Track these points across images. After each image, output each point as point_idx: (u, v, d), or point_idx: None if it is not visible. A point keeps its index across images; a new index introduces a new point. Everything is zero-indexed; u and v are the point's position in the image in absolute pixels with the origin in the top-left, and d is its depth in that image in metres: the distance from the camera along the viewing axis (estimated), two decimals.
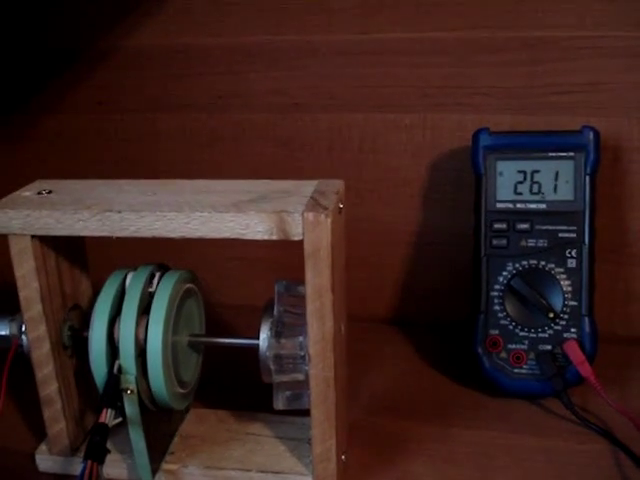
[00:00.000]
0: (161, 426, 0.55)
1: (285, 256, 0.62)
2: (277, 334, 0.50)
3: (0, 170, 0.85)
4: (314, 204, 0.46)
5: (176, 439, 0.56)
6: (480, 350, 0.63)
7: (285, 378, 0.51)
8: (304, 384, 0.50)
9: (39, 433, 0.58)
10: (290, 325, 0.51)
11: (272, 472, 0.53)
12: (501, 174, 0.63)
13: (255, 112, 0.75)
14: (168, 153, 0.79)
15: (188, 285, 0.54)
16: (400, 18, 0.69)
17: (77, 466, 0.54)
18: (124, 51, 0.77)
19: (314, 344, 0.47)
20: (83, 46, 0.78)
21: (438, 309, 0.76)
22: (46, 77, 0.80)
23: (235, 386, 0.65)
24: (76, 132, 0.81)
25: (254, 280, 0.80)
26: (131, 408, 0.50)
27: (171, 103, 0.78)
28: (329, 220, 0.45)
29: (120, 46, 0.77)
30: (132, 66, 0.77)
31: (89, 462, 0.45)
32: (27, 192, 0.52)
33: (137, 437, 0.51)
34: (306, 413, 0.51)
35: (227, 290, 0.79)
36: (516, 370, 0.62)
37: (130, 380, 0.49)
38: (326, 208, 0.45)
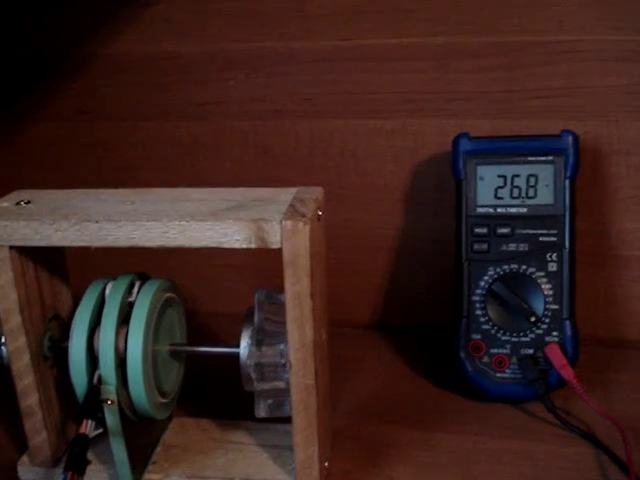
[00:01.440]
0: (143, 436, 0.55)
1: (267, 263, 0.61)
2: (258, 342, 0.50)
3: None
4: (293, 212, 0.46)
5: (158, 449, 0.56)
6: (463, 355, 0.63)
7: (266, 386, 0.51)
8: (285, 392, 0.50)
9: (21, 445, 0.57)
10: (271, 333, 0.50)
11: None
12: (481, 179, 0.63)
13: (235, 119, 0.75)
14: (149, 161, 0.79)
15: (168, 294, 0.53)
16: (380, 24, 0.69)
17: (59, 477, 0.53)
18: (105, 59, 0.77)
19: (294, 352, 0.47)
20: (64, 54, 0.78)
21: (421, 314, 0.77)
22: (26, 85, 0.80)
23: (217, 395, 0.65)
24: (57, 140, 0.81)
25: (236, 287, 0.80)
26: (112, 419, 0.49)
27: (152, 111, 0.77)
28: (307, 228, 0.45)
29: (101, 54, 0.77)
30: (113, 74, 0.77)
31: (69, 473, 0.45)
32: (5, 203, 0.52)
33: (118, 447, 0.51)
34: (288, 420, 0.51)
35: (208, 297, 0.79)
36: (499, 374, 0.62)
37: (110, 390, 0.49)
38: (304, 215, 0.45)
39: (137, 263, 0.57)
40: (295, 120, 0.74)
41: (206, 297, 0.78)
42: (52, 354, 0.53)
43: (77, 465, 0.45)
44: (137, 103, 0.78)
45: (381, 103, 0.72)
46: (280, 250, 0.46)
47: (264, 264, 0.69)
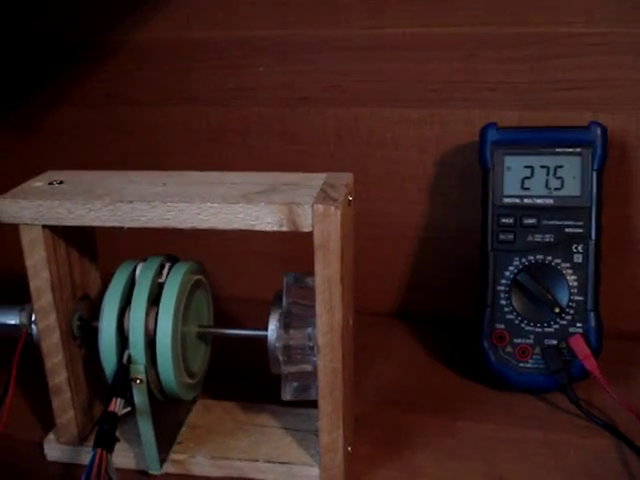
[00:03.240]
0: (169, 417, 0.56)
1: (293, 249, 0.62)
2: (286, 325, 0.51)
3: (9, 162, 0.85)
4: (324, 196, 0.47)
5: (184, 429, 0.57)
6: (486, 344, 0.63)
7: (293, 369, 0.51)
8: (312, 375, 0.51)
9: (47, 423, 0.58)
10: (299, 316, 0.51)
11: (279, 462, 0.53)
12: (509, 169, 0.63)
13: (263, 106, 0.76)
14: (176, 146, 0.80)
15: (197, 276, 0.54)
16: (408, 13, 0.69)
17: (85, 455, 0.55)
18: (133, 44, 0.77)
19: (323, 335, 0.48)
20: (92, 39, 0.78)
21: (444, 303, 0.77)
22: (55, 70, 0.81)
23: (242, 378, 0.66)
24: (84, 124, 0.82)
25: (262, 273, 0.80)
26: (140, 398, 0.50)
27: (179, 96, 0.78)
28: (339, 212, 0.45)
29: (129, 39, 0.77)
30: (141, 59, 0.78)
31: (99, 450, 0.45)
32: (38, 182, 0.53)
33: (145, 427, 0.51)
34: (313, 404, 0.51)
35: (235, 283, 0.79)
36: (522, 364, 0.62)
37: (139, 370, 0.49)
38: (336, 200, 0.46)
39: (163, 246, 0.57)
40: (322, 108, 0.74)
41: (231, 282, 0.78)
42: (81, 333, 0.54)
43: (106, 442, 0.46)
44: (164, 88, 0.78)
45: (408, 92, 0.72)
46: (309, 235, 0.46)
47: (289, 251, 0.70)
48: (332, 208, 0.45)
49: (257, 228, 0.47)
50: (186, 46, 0.76)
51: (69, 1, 0.78)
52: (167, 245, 0.59)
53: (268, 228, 0.46)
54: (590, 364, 0.60)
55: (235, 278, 0.79)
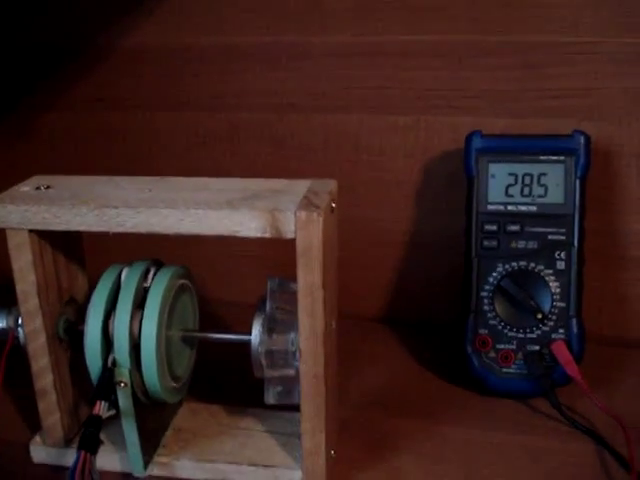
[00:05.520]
0: (153, 419, 0.56)
1: (279, 253, 0.62)
2: (269, 330, 0.51)
3: (3, 163, 0.85)
4: (307, 203, 0.47)
5: (168, 432, 0.57)
6: (470, 349, 0.64)
7: (276, 373, 0.52)
8: (295, 379, 0.51)
9: (33, 425, 0.59)
10: (282, 321, 0.51)
11: (262, 465, 0.53)
12: (493, 176, 0.64)
13: (251, 112, 0.77)
14: (166, 150, 0.80)
15: (182, 281, 0.55)
16: (395, 21, 0.70)
17: (71, 457, 0.54)
18: (123, 50, 0.78)
19: (305, 340, 0.48)
20: (84, 44, 0.79)
21: (429, 309, 0.77)
22: (46, 74, 0.81)
23: (226, 381, 0.66)
24: (73, 129, 0.82)
25: (248, 277, 0.81)
26: (124, 401, 0.50)
27: (169, 101, 0.79)
28: (321, 219, 0.46)
29: (119, 45, 0.78)
30: (131, 64, 0.78)
31: (82, 452, 0.46)
32: (25, 187, 0.53)
33: (130, 429, 0.52)
34: (297, 408, 0.52)
35: (221, 286, 0.80)
36: (504, 369, 0.63)
37: (124, 373, 0.50)
38: (318, 207, 0.46)
39: (150, 250, 0.58)
40: (309, 114, 0.75)
41: (216, 286, 0.79)
42: (67, 337, 0.54)
43: (90, 445, 0.47)
44: (153, 94, 0.79)
45: (395, 99, 0.72)
46: (293, 240, 0.47)
47: (275, 255, 0.70)
48: (314, 215, 0.45)
49: (241, 234, 0.47)
50: (176, 52, 0.77)
51: (61, 7, 0.78)
52: (154, 249, 0.59)
53: (252, 234, 0.47)
54: (572, 370, 0.60)
55: (222, 281, 0.80)
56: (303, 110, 0.75)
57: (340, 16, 0.71)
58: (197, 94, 0.78)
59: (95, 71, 0.80)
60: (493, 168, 0.64)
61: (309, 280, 0.47)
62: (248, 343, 0.52)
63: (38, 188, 0.53)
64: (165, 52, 0.77)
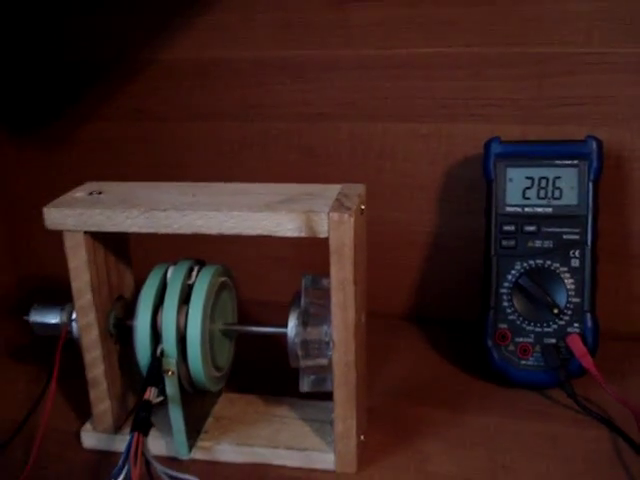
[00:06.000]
0: (196, 408, 0.59)
1: (308, 256, 0.66)
2: (304, 323, 0.55)
3: (43, 173, 0.89)
4: (339, 205, 0.51)
5: (209, 420, 0.61)
6: (490, 343, 0.66)
7: (310, 363, 0.55)
8: (327, 369, 0.55)
9: (82, 414, 0.63)
10: (315, 315, 0.55)
11: (297, 449, 0.57)
12: (510, 180, 0.66)
13: (282, 121, 0.79)
14: (200, 158, 0.83)
15: (223, 278, 0.58)
16: (418, 35, 0.72)
17: (119, 443, 0.59)
18: (160, 64, 0.80)
19: (338, 331, 0.52)
20: (123, 59, 0.82)
21: (451, 306, 0.80)
22: (87, 86, 0.84)
23: (262, 373, 0.69)
24: (114, 138, 0.85)
25: (277, 278, 0.84)
26: (172, 388, 0.54)
27: (203, 112, 0.81)
28: (352, 220, 0.49)
29: (157, 59, 0.80)
30: (167, 77, 0.81)
31: (136, 434, 0.49)
32: (79, 193, 0.57)
33: (176, 415, 0.55)
34: (328, 397, 0.55)
35: (251, 286, 0.81)
36: (523, 362, 0.66)
37: (171, 363, 0.54)
38: (349, 209, 0.50)
39: (187, 252, 0.61)
40: (337, 123, 0.77)
41: (248, 286, 0.81)
42: (116, 331, 0.58)
43: (142, 427, 0.50)
44: (189, 105, 0.81)
45: (417, 108, 0.75)
46: (324, 241, 0.50)
47: (303, 257, 0.74)
48: (346, 216, 0.49)
49: (278, 234, 0.51)
50: (210, 65, 0.79)
51: (102, 24, 0.81)
52: (190, 251, 0.61)
53: (288, 234, 0.51)
54: (587, 362, 0.63)
55: (251, 282, 0.81)
56: (331, 119, 0.77)
57: (366, 31, 0.73)
58: (230, 105, 0.80)
59: (134, 84, 0.82)
60: (511, 172, 0.66)
61: (341, 276, 0.50)
62: (284, 335, 0.55)
63: (91, 193, 0.57)
64: (200, 66, 0.79)
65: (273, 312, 0.61)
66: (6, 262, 0.92)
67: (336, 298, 0.51)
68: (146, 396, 0.52)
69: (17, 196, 0.91)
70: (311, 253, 0.59)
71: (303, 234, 0.51)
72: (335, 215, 0.49)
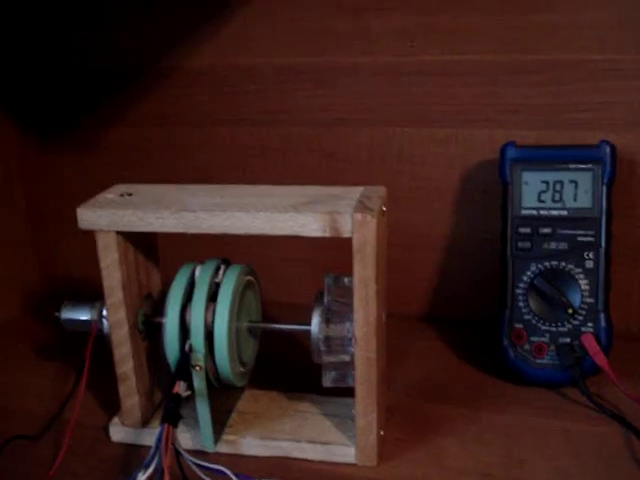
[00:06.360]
0: (221, 403, 0.62)
1: (327, 258, 0.68)
2: (327, 320, 0.57)
3: (70, 176, 0.91)
4: (362, 206, 0.53)
5: (234, 415, 0.63)
6: (506, 342, 0.68)
7: (333, 359, 0.57)
8: (349, 365, 0.57)
9: (109, 409, 0.65)
10: (338, 313, 0.57)
11: (320, 443, 0.59)
12: (526, 183, 0.68)
13: (302, 126, 0.81)
14: (224, 163, 0.85)
15: (248, 277, 0.60)
16: (436, 42, 0.74)
17: (147, 437, 0.61)
18: (185, 70, 0.82)
19: (360, 328, 0.54)
20: (148, 66, 0.84)
21: (467, 307, 0.81)
22: (113, 93, 0.86)
23: (284, 371, 0.71)
24: (140, 143, 0.87)
25: (296, 279, 0.86)
26: (199, 383, 0.56)
27: (226, 118, 0.83)
28: (375, 220, 0.51)
29: (182, 66, 0.82)
30: (191, 84, 0.83)
31: (166, 425, 0.51)
32: (110, 194, 0.59)
33: (203, 409, 0.57)
34: (349, 393, 0.57)
35: (270, 288, 0.83)
36: (538, 360, 0.67)
37: (199, 358, 0.55)
38: (372, 210, 0.52)
39: (208, 253, 0.63)
40: (356, 128, 0.79)
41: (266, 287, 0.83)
42: (144, 328, 0.60)
43: (172, 418, 0.52)
44: (213, 110, 0.83)
45: (435, 113, 0.76)
46: (343, 242, 0.52)
47: (323, 259, 0.75)
48: (369, 216, 0.51)
49: (303, 234, 0.53)
50: (234, 72, 0.81)
51: (127, 33, 0.83)
52: (209, 253, 0.63)
53: (313, 234, 0.53)
54: (600, 360, 0.64)
55: (271, 284, 0.83)
56: (350, 124, 0.79)
57: (385, 39, 0.75)
58: (253, 110, 0.82)
59: (158, 90, 0.84)
60: (526, 176, 0.68)
61: (364, 274, 0.52)
62: (307, 333, 0.57)
63: (122, 195, 0.59)
64: (224, 72, 0.81)
65: (289, 313, 0.62)
66: (32, 262, 0.94)
67: (358, 295, 0.53)
68: (175, 389, 0.54)
69: (42, 198, 0.94)
70: (329, 255, 0.61)
71: (327, 234, 0.52)
72: (359, 216, 0.51)
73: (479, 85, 0.74)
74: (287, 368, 0.72)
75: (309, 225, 0.52)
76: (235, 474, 0.48)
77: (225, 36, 0.80)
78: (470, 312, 0.81)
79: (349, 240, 0.52)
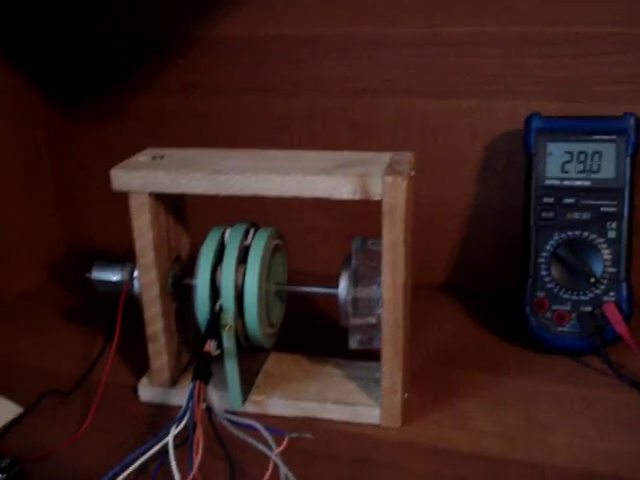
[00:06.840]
0: (249, 364, 0.62)
1: (350, 227, 0.69)
2: (354, 282, 0.58)
3: (95, 142, 0.93)
4: (392, 170, 0.54)
5: (260, 376, 0.64)
6: (528, 310, 0.69)
7: (359, 321, 0.58)
8: (375, 328, 0.58)
9: (135, 370, 0.67)
10: (364, 275, 0.58)
11: (344, 404, 0.60)
12: (550, 154, 0.68)
13: (328, 96, 0.81)
14: (248, 132, 0.85)
15: (276, 241, 0.61)
16: (461, 14, 0.74)
17: (175, 397, 0.62)
18: (211, 40, 0.83)
19: (387, 290, 0.55)
20: (174, 35, 0.84)
21: (489, 276, 0.82)
22: (140, 61, 0.87)
23: (308, 334, 0.72)
24: (165, 111, 0.88)
25: (320, 249, 0.86)
26: (228, 342, 0.57)
27: (252, 87, 0.83)
28: (405, 183, 0.52)
29: (207, 35, 0.83)
30: (217, 53, 0.83)
31: (197, 381, 0.52)
32: (142, 157, 0.60)
33: (232, 369, 0.59)
34: (372, 357, 0.58)
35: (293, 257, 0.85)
36: (559, 329, 0.68)
37: (229, 317, 0.57)
38: (402, 173, 0.53)
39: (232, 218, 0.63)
40: (381, 98, 0.79)
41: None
42: (174, 289, 0.62)
43: (203, 375, 0.53)
44: (238, 80, 0.84)
45: (460, 84, 0.77)
46: (379, 202, 0.53)
47: (346, 228, 0.76)
48: (399, 179, 0.52)
49: (335, 196, 0.53)
50: (259, 42, 0.81)
51: (159, 1, 0.84)
52: (235, 217, 0.63)
53: (344, 197, 0.53)
54: (621, 329, 0.65)
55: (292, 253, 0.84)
56: (375, 95, 0.80)
57: (410, 10, 0.75)
58: (278, 80, 0.82)
59: (185, 59, 0.85)
60: (551, 146, 0.68)
61: (393, 236, 0.53)
62: (335, 295, 0.58)
63: (154, 158, 0.60)
64: (249, 42, 0.82)
65: (312, 280, 0.63)
66: (58, 230, 0.95)
67: (387, 258, 0.54)
68: (206, 348, 0.55)
69: (68, 166, 0.95)
70: (353, 224, 0.61)
71: (357, 197, 0.53)
72: (389, 179, 0.52)
73: (503, 57, 0.75)
74: (311, 332, 0.73)
75: (340, 188, 0.53)
76: (266, 428, 0.49)
77: (252, 5, 0.81)
78: (492, 282, 0.82)
79: (376, 205, 0.53)
